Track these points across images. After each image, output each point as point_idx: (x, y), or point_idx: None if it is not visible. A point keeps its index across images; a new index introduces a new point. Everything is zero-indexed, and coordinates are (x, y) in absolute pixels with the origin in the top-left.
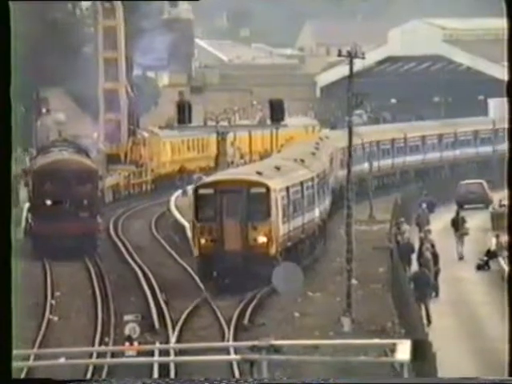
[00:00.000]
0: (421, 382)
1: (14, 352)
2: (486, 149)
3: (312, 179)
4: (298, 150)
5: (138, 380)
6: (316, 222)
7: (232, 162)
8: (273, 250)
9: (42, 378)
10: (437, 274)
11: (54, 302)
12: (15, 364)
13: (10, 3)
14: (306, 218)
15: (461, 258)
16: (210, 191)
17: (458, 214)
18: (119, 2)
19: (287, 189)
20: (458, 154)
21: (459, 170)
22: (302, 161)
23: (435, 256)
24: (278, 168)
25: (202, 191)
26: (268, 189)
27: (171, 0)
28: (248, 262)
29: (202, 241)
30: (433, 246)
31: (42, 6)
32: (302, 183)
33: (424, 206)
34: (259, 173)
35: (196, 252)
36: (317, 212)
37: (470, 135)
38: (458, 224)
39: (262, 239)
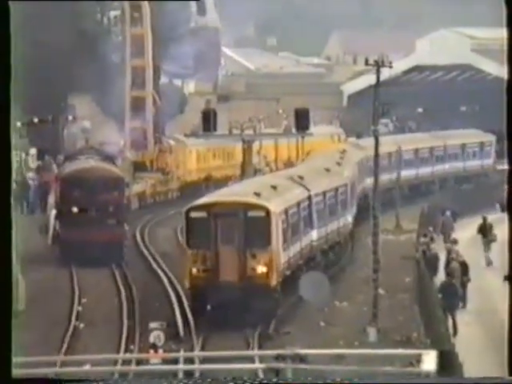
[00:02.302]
0: (443, 382)
1: (39, 358)
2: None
3: (323, 194)
4: (316, 164)
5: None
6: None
7: (259, 170)
8: (273, 281)
9: (42, 378)
10: (465, 284)
11: (80, 308)
12: (39, 371)
13: (11, 3)
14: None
15: (489, 264)
16: (202, 214)
17: (485, 220)
18: (147, 11)
19: (286, 211)
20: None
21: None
22: (328, 170)
23: (464, 266)
24: (274, 187)
25: (194, 214)
26: (268, 212)
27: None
28: (246, 294)
29: (194, 270)
30: (460, 255)
31: (70, 15)
32: (298, 203)
33: (448, 213)
34: (257, 194)
35: (187, 283)
36: (333, 226)
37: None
38: (485, 230)
39: (261, 269)
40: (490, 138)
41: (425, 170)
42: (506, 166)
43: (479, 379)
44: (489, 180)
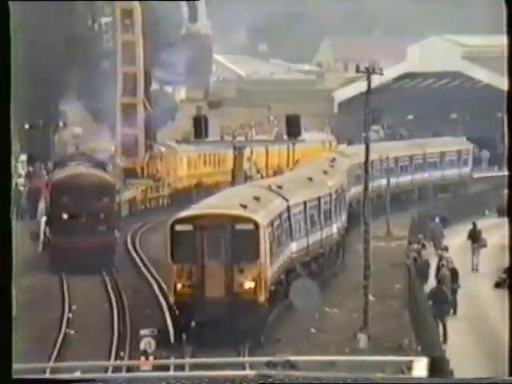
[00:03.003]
0: (433, 382)
1: (29, 365)
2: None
3: (318, 199)
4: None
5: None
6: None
7: (250, 177)
8: (261, 297)
9: (42, 378)
10: (455, 291)
11: (71, 315)
12: (30, 377)
13: (10, 3)
14: (312, 240)
15: (475, 269)
16: (188, 227)
17: (475, 226)
18: (139, 17)
19: (272, 223)
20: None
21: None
22: (310, 179)
23: (454, 272)
24: (257, 198)
25: (178, 227)
26: (257, 225)
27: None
28: (233, 311)
29: (179, 286)
30: (451, 262)
31: (61, 21)
32: (280, 214)
33: (437, 219)
34: (243, 206)
35: (171, 299)
36: (316, 237)
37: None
38: (475, 236)
39: (249, 284)
40: (468, 145)
41: (404, 179)
42: (482, 174)
43: (474, 379)
44: (467, 189)
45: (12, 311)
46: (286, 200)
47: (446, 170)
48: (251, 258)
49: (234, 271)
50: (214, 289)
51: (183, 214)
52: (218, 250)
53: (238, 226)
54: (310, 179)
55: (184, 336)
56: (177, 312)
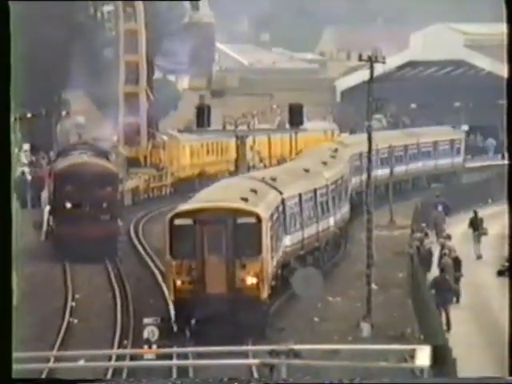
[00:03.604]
0: (440, 382)
1: (33, 354)
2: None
3: (314, 191)
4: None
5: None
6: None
7: (253, 166)
8: (264, 294)
9: (42, 378)
10: (458, 279)
11: (74, 304)
12: (33, 366)
13: (11, 3)
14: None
15: (479, 257)
16: (188, 222)
17: (476, 214)
18: (141, 6)
19: (272, 216)
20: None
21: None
22: (307, 170)
23: (457, 261)
24: (254, 191)
25: (178, 222)
26: (259, 218)
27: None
28: (235, 307)
29: (179, 282)
30: (454, 250)
31: (63, 9)
32: (277, 207)
33: (440, 207)
34: (244, 199)
35: (171, 296)
36: (311, 230)
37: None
38: (476, 224)
39: (251, 280)
40: (460, 135)
41: (400, 169)
42: (488, 163)
43: (478, 379)
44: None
45: (12, 313)
46: (280, 193)
47: (440, 160)
48: (253, 252)
49: (236, 266)
50: (216, 285)
51: (183, 207)
52: (219, 244)
53: (240, 220)
54: (307, 170)
55: (188, 333)
56: (176, 310)
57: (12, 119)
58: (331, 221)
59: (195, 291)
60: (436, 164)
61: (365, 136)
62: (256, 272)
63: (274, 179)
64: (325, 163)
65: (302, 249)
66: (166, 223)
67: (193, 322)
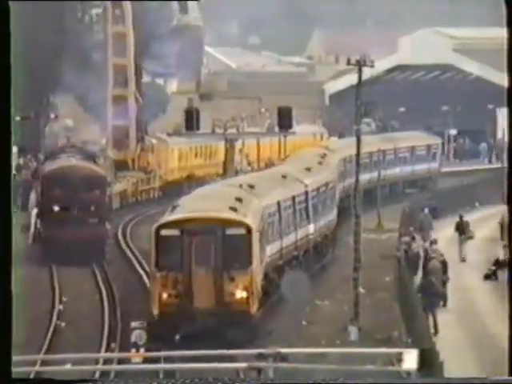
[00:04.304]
0: (427, 383)
1: (20, 358)
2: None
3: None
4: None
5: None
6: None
7: (241, 169)
8: (253, 308)
9: (42, 378)
10: (445, 283)
11: (61, 307)
12: (21, 369)
13: (10, 3)
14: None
15: (463, 260)
16: (175, 232)
17: (461, 218)
18: (129, 9)
19: (259, 227)
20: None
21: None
22: (284, 176)
23: (444, 265)
24: (239, 200)
25: (164, 232)
26: (249, 229)
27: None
28: (223, 323)
29: (164, 296)
30: (441, 254)
31: (51, 12)
32: (262, 216)
33: (426, 210)
34: (233, 208)
35: (155, 310)
36: (289, 239)
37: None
38: (462, 228)
39: (240, 293)
40: (437, 140)
41: (376, 174)
42: (481, 167)
43: (463, 379)
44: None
45: (12, 313)
46: (260, 201)
47: (417, 165)
48: (243, 265)
49: (224, 279)
50: (203, 299)
51: (169, 217)
52: (207, 256)
53: (229, 231)
54: (285, 177)
55: (168, 349)
56: (160, 325)
57: None
58: (311, 228)
59: (181, 305)
60: (413, 169)
61: (353, 140)
62: (245, 285)
63: (251, 186)
64: (308, 169)
65: (281, 259)
66: (151, 233)
67: (177, 337)
